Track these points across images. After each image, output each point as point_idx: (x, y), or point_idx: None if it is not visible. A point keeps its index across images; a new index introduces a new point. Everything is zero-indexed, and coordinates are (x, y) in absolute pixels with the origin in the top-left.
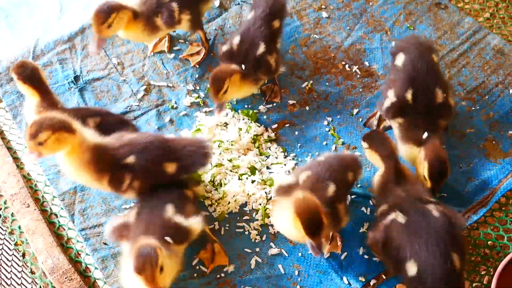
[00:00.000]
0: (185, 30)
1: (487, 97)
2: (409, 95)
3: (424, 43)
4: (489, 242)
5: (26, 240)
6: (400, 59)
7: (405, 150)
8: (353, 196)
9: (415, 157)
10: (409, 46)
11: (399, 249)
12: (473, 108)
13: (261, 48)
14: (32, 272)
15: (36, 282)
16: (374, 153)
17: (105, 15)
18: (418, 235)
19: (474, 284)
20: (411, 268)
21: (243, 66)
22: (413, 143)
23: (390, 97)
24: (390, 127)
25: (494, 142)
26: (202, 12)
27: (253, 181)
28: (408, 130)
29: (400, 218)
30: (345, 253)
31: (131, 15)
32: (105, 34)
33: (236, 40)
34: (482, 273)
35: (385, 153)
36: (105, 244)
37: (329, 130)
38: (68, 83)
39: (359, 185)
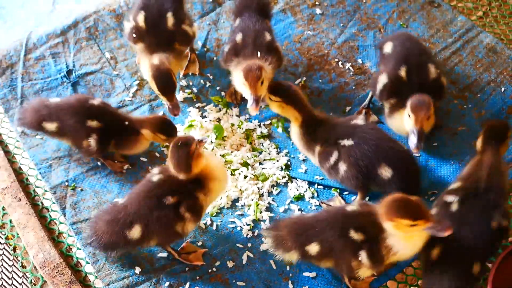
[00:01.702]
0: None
1: (479, 95)
2: (402, 72)
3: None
4: None
5: (17, 234)
6: (388, 46)
7: (395, 121)
8: (345, 193)
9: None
10: (396, 35)
11: (367, 165)
12: (465, 106)
13: (268, 37)
14: (23, 266)
15: (27, 276)
16: (287, 106)
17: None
18: (369, 145)
19: None
20: (385, 172)
21: (258, 53)
22: (401, 109)
23: (383, 79)
24: (378, 122)
25: None
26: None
27: (245, 177)
28: (400, 107)
29: (347, 142)
30: None
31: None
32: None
33: (239, 36)
34: None
35: (300, 104)
36: None
37: None
38: (61, 77)
39: None
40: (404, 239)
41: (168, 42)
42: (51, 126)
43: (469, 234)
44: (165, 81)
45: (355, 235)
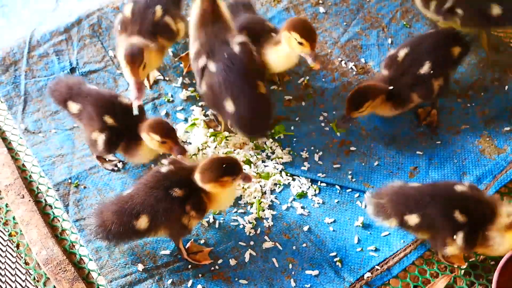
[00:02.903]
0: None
1: (482, 94)
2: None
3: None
4: None
5: (21, 231)
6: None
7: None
8: (348, 190)
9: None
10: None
11: (219, 93)
12: (468, 105)
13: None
14: (26, 263)
15: (30, 273)
16: None
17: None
18: (223, 76)
19: (467, 282)
20: (229, 107)
21: None
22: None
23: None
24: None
25: (489, 138)
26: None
27: None
28: None
29: (212, 66)
30: (339, 247)
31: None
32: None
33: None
34: (475, 271)
35: None
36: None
37: (324, 126)
38: (65, 74)
39: (353, 180)
40: (508, 238)
41: (150, 34)
42: (75, 107)
43: None
44: (133, 52)
45: (459, 216)
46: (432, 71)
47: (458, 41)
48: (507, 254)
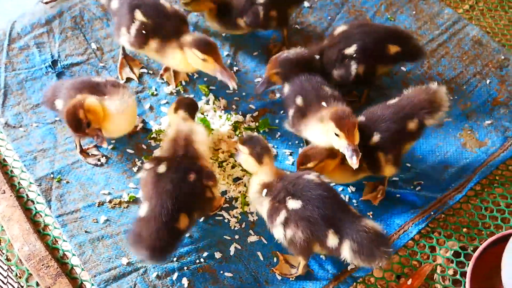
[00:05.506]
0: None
1: (464, 87)
2: None
3: None
4: (464, 229)
5: (2, 227)
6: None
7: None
8: (332, 184)
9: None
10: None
11: None
12: (450, 98)
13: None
14: (8, 259)
15: (12, 269)
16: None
17: None
18: None
19: (449, 270)
20: None
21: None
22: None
23: None
24: None
25: (470, 131)
26: None
27: (233, 167)
28: None
29: None
30: None
31: None
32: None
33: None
34: (458, 258)
35: None
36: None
37: None
38: (46, 67)
39: None
40: None
41: (178, 27)
42: (59, 103)
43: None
44: (211, 42)
45: None
46: (355, 55)
47: (400, 42)
48: (483, 243)
